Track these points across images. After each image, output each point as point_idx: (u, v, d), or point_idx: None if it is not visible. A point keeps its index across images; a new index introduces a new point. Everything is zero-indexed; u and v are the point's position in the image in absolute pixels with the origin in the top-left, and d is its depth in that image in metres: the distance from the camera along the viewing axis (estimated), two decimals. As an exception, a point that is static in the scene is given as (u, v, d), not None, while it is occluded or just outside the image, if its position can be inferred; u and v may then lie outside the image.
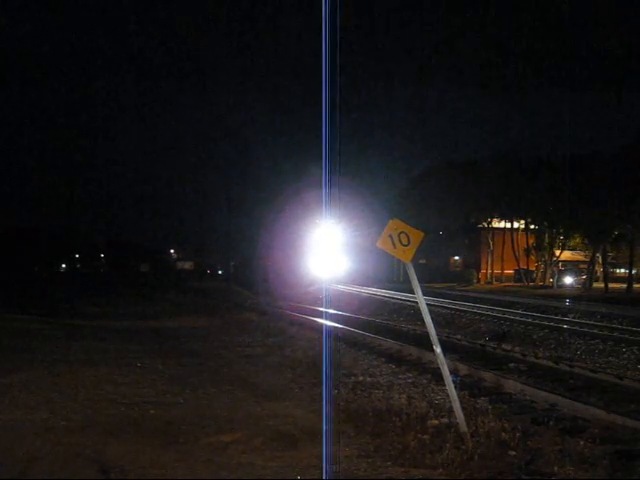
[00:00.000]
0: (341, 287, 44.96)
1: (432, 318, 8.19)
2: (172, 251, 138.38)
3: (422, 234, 8.03)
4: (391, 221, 8.00)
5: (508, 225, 71.37)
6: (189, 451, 7.38)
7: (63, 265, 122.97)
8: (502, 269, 72.51)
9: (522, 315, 25.89)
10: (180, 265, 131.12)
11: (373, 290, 45.42)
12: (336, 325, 20.91)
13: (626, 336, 18.47)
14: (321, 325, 21.55)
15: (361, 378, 12.07)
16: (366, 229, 42.01)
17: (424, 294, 8.46)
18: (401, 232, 7.88)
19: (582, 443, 7.52)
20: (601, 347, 17.10)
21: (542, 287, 59.85)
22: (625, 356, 15.74)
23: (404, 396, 10.33)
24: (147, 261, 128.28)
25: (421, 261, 67.69)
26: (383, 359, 14.50)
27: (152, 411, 9.40)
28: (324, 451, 7.07)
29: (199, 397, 10.45)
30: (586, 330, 19.98)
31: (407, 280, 8.23)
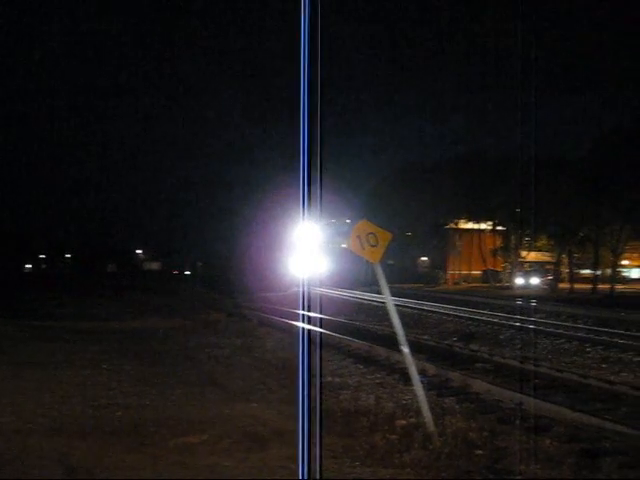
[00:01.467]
0: (319, 290, 44.05)
1: (400, 318, 8.22)
2: (139, 251, 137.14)
3: (390, 235, 8.07)
4: (360, 222, 8.02)
5: (475, 226, 71.94)
6: (157, 453, 7.33)
7: (28, 265, 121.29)
8: (469, 270, 73.11)
9: (489, 315, 26.08)
10: (147, 266, 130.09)
11: (348, 292, 45.09)
12: (305, 326, 20.87)
13: (591, 336, 18.72)
14: (290, 326, 21.54)
15: (330, 379, 12.09)
16: (346, 228, 41.70)
17: (392, 295, 8.50)
18: (369, 233, 7.91)
19: (548, 442, 7.60)
20: (566, 347, 17.31)
21: (509, 288, 60.42)
22: (590, 355, 15.95)
23: (372, 396, 10.38)
24: (114, 261, 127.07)
25: (389, 262, 67.85)
26: (352, 360, 14.54)
27: (119, 413, 9.32)
28: (301, 451, 7.08)
29: (167, 398, 10.39)
30: (552, 330, 20.20)
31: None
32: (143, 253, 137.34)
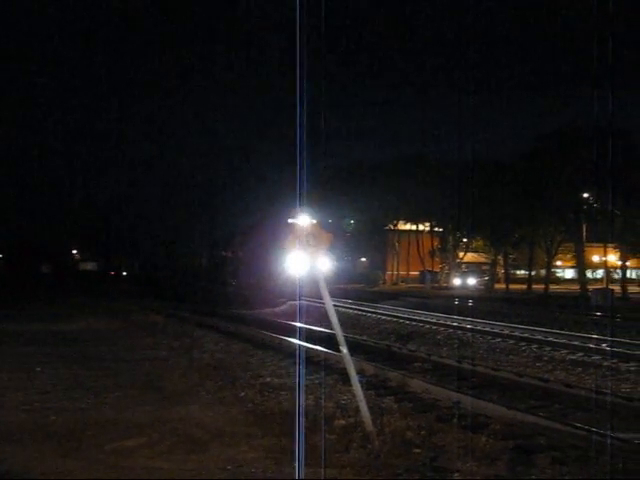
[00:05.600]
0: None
1: (339, 319, 8.24)
2: (75, 251, 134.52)
3: (330, 235, 8.09)
4: (303, 223, 8.00)
5: (414, 227, 72.74)
6: (93, 457, 7.20)
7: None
8: (408, 270, 73.86)
9: (426, 315, 26.39)
10: (83, 266, 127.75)
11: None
12: (242, 326, 20.84)
13: (526, 335, 19.12)
14: (226, 327, 21.44)
15: (268, 379, 12.05)
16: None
17: (331, 296, 8.51)
18: (309, 234, 7.91)
19: (484, 439, 7.71)
20: (502, 346, 17.62)
21: (446, 288, 61.29)
22: (525, 354, 16.27)
23: (311, 397, 10.37)
24: (48, 262, 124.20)
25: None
26: (291, 360, 14.51)
27: (53, 417, 9.13)
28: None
29: (103, 402, 10.21)
30: (488, 329, 20.58)
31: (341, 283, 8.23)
32: (79, 253, 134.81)
